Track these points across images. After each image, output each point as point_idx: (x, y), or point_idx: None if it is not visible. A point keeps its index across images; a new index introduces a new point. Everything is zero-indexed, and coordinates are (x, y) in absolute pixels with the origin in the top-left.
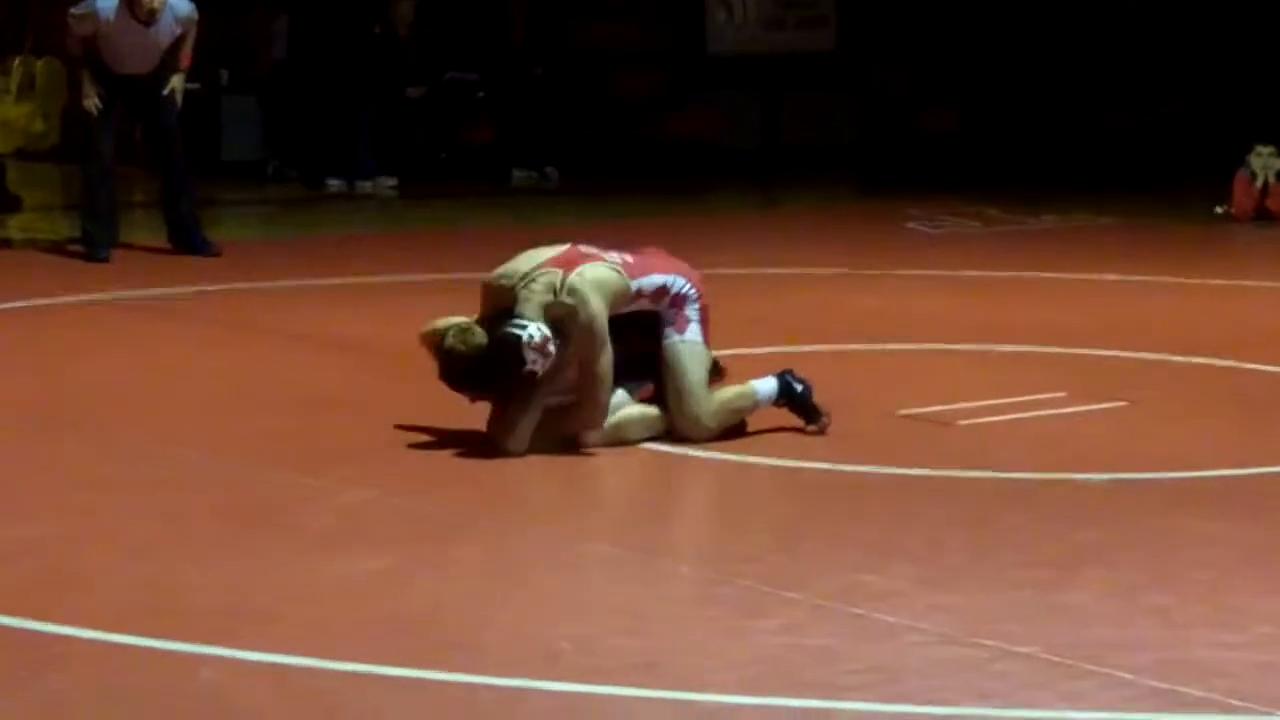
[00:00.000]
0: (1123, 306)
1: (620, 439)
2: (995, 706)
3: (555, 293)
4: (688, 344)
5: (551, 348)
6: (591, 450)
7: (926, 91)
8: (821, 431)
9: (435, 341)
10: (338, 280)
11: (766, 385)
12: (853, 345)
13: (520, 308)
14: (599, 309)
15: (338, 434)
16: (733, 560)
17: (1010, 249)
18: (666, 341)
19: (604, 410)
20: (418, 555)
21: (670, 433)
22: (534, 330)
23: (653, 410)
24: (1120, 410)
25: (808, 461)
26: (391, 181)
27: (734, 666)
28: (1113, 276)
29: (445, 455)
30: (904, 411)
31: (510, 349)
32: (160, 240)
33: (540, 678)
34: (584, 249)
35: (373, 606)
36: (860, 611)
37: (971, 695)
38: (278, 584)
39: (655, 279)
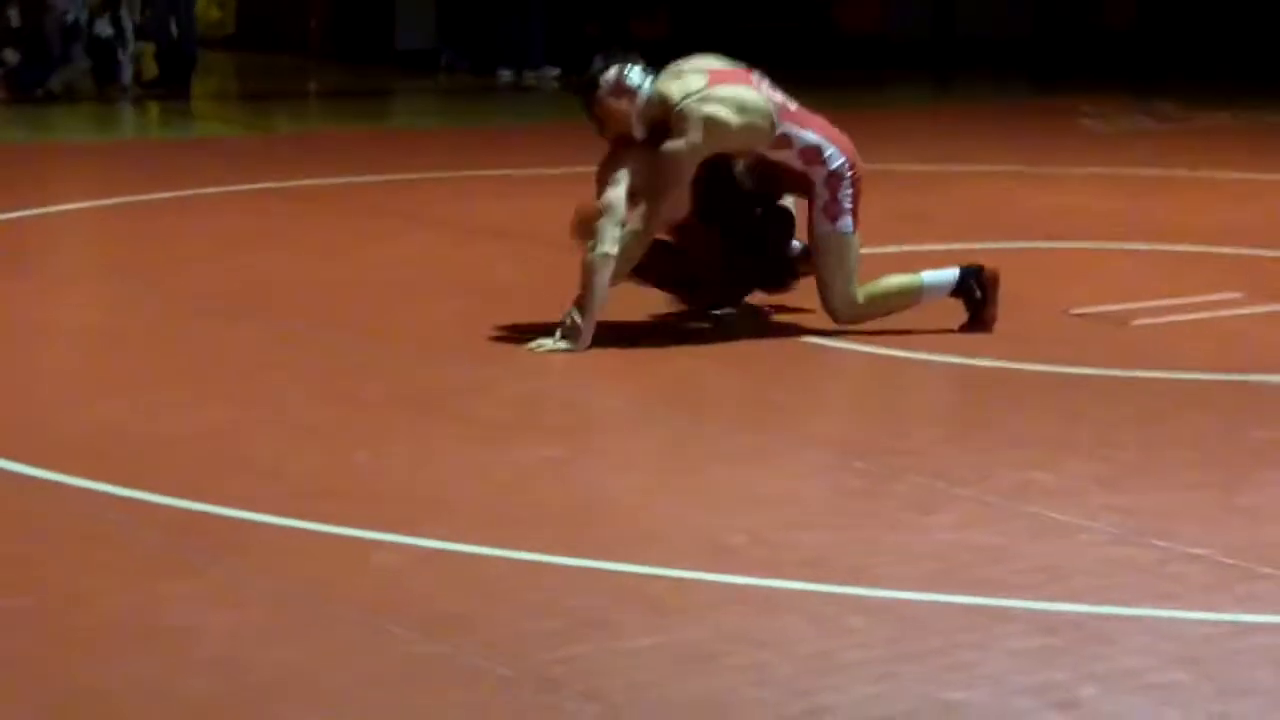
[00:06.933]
0: None
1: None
2: (1169, 608)
3: (683, 97)
4: (837, 235)
5: (633, 98)
6: (759, 344)
7: None
8: (985, 329)
9: None
10: (508, 170)
11: (941, 276)
12: (1025, 243)
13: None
14: (694, 145)
15: (508, 323)
16: (904, 455)
17: (1185, 147)
18: (818, 229)
19: (637, 249)
20: (588, 445)
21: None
22: (637, 73)
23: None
24: None
25: (979, 359)
26: (554, 72)
27: (905, 562)
28: None
29: (616, 347)
30: (1077, 310)
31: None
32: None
33: (712, 570)
34: (755, 77)
35: (544, 495)
36: (1032, 509)
37: (1145, 596)
38: (450, 471)
39: (810, 135)
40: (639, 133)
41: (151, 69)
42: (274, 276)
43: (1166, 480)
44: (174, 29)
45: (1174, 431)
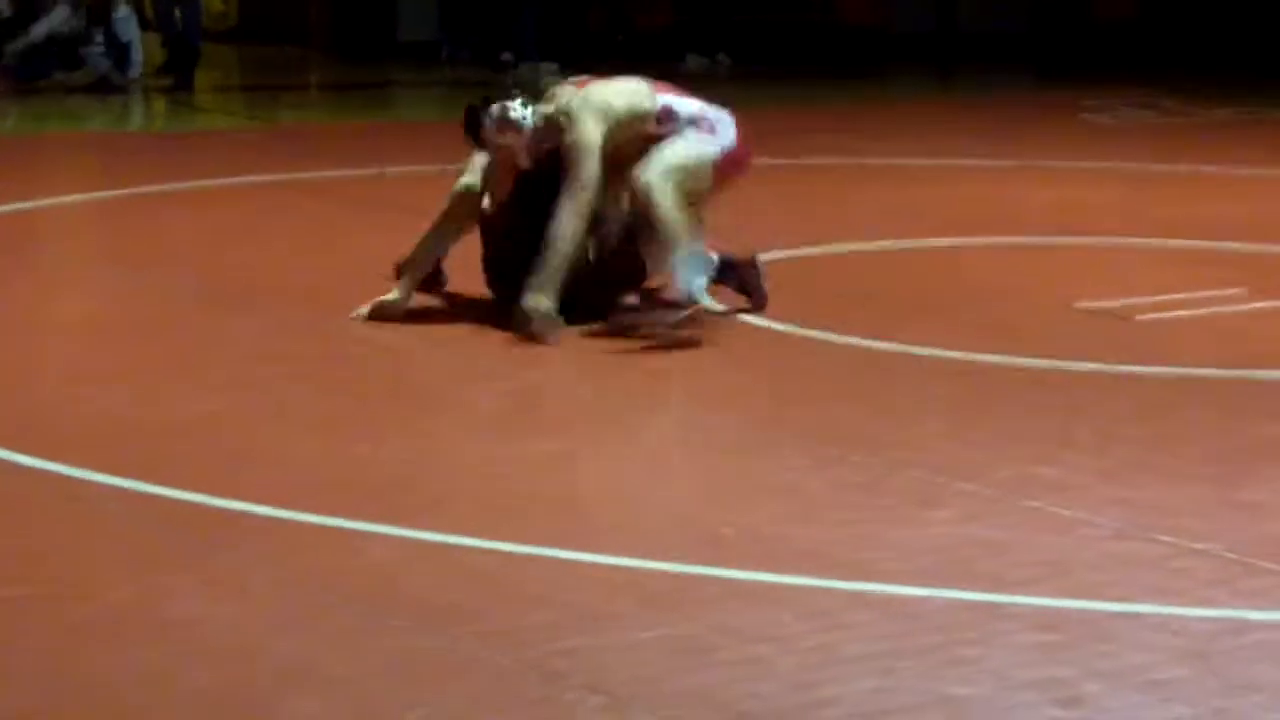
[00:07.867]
0: None
1: None
2: (1172, 604)
3: (559, 111)
4: (686, 139)
5: (518, 132)
6: (757, 339)
7: None
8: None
9: None
10: None
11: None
12: (1027, 238)
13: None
14: (588, 127)
15: (507, 316)
16: (904, 449)
17: (1187, 142)
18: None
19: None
20: (587, 438)
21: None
22: (518, 107)
23: None
24: None
25: (980, 353)
26: (552, 67)
27: (905, 556)
28: None
29: (617, 339)
30: (1080, 305)
31: (474, 111)
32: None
33: (710, 563)
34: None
35: (542, 488)
36: (1034, 504)
37: (1147, 592)
38: (448, 464)
39: (692, 105)
40: (525, 162)
41: (158, 56)
42: (275, 268)
43: (1170, 475)
44: (178, 21)
45: (1177, 426)
